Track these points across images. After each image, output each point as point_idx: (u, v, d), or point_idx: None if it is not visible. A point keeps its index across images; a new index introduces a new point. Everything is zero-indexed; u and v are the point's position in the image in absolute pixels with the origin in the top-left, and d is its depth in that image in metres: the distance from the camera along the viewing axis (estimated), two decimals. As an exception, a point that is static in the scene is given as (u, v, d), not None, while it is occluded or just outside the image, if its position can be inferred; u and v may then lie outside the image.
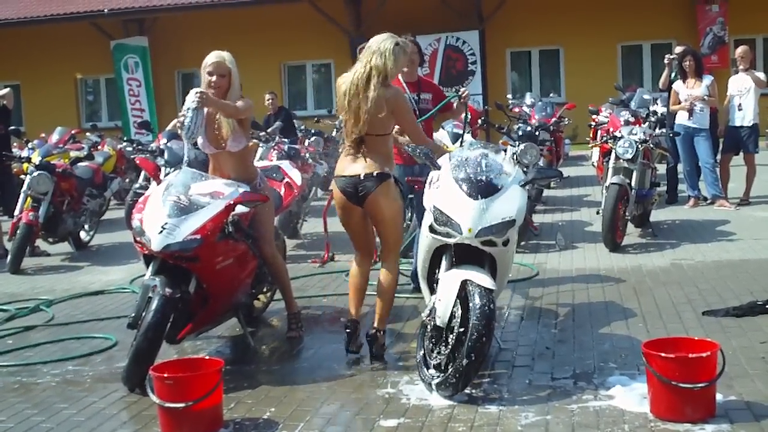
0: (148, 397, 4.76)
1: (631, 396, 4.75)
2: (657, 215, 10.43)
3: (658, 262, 8.33)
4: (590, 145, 13.54)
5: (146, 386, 4.79)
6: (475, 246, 5.08)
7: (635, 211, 9.36)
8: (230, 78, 6.05)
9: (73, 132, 16.86)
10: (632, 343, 5.77)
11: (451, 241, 5.09)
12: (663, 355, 4.40)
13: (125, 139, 15.57)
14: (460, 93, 7.17)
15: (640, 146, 9.29)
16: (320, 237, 9.79)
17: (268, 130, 11.87)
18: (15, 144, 14.61)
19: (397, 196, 5.70)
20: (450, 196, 5.11)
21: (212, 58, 6.09)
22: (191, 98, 5.67)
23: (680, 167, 12.00)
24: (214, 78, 5.99)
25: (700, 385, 4.32)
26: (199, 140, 6.10)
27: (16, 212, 10.34)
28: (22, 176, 11.01)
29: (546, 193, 12.70)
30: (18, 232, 9.98)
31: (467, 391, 4.95)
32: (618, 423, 4.44)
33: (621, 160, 9.33)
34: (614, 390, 4.87)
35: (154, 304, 5.30)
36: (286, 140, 11.35)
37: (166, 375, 4.59)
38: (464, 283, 4.97)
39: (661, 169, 11.62)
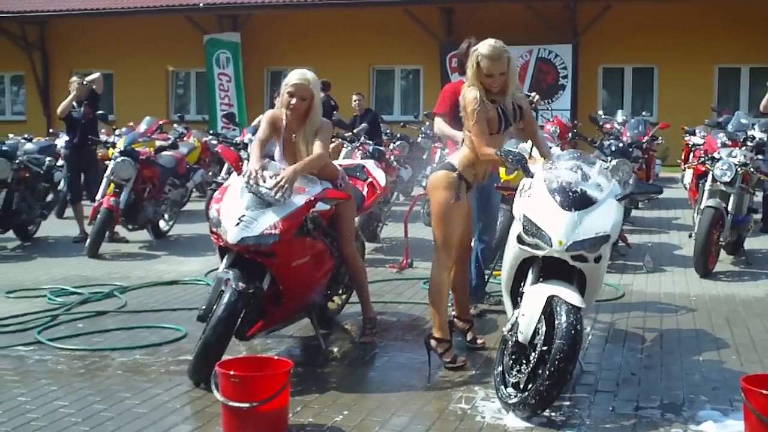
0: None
1: (724, 433, 4.43)
2: (751, 243, 9.96)
3: (752, 291, 7.91)
4: (684, 167, 13.08)
5: (211, 382, 4.61)
6: (564, 260, 4.80)
7: (730, 237, 8.94)
8: (311, 101, 5.65)
9: (160, 122, 16.95)
10: (725, 375, 5.43)
11: (540, 253, 4.82)
12: (764, 392, 4.07)
13: (211, 132, 15.64)
14: (531, 97, 6.93)
15: (739, 169, 8.87)
16: (400, 242, 9.60)
17: (354, 131, 11.72)
18: (103, 131, 14.73)
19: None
20: (542, 205, 4.84)
21: (295, 77, 5.64)
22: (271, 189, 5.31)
23: (778, 195, 11.52)
24: (294, 100, 5.60)
25: (804, 428, 3.99)
26: (276, 155, 5.86)
27: (98, 197, 10.35)
28: (107, 162, 11.02)
29: (634, 213, 12.28)
30: (98, 216, 9.98)
31: (546, 413, 4.68)
32: (710, 462, 4.14)
33: (718, 183, 8.92)
34: (706, 425, 4.55)
35: (225, 298, 5.14)
36: (371, 142, 11.16)
37: (232, 372, 4.40)
38: (551, 299, 4.70)
39: (757, 196, 11.12)
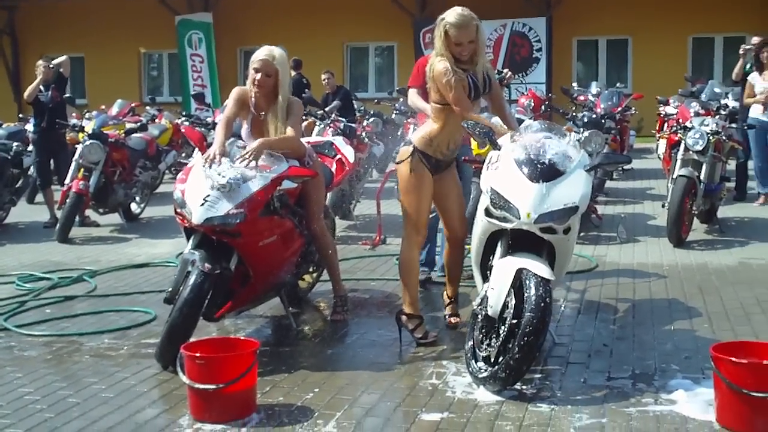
0: (181, 376, 4.55)
1: (695, 402, 4.39)
2: (724, 212, 9.97)
3: (725, 260, 7.90)
4: (657, 137, 13.07)
5: (177, 365, 4.54)
6: (533, 233, 4.75)
7: (703, 205, 8.92)
8: (277, 79, 5.60)
9: (132, 105, 16.79)
10: (697, 344, 5.40)
11: (508, 226, 4.77)
12: (734, 359, 4.04)
13: (183, 113, 15.48)
14: (503, 74, 6.88)
15: (711, 138, 8.85)
16: (374, 219, 9.52)
17: (326, 109, 11.61)
18: (74, 114, 14.54)
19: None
20: (509, 178, 4.78)
21: (261, 54, 5.63)
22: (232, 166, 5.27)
23: (751, 163, 11.52)
24: (258, 76, 5.58)
25: (773, 394, 3.95)
26: (243, 133, 5.79)
27: (67, 181, 10.22)
28: (76, 145, 10.88)
29: (608, 184, 12.29)
30: (67, 200, 9.87)
31: (517, 386, 4.64)
32: (680, 431, 4.09)
33: (690, 152, 8.89)
34: (676, 394, 4.51)
35: (191, 279, 5.06)
36: (343, 119, 11.06)
37: (197, 354, 4.34)
38: (519, 272, 4.65)
39: (731, 164, 11.13)
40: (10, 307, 6.74)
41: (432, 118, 5.43)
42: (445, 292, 6.07)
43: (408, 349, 5.48)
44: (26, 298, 7.07)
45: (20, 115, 17.94)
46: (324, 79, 14.18)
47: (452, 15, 5.23)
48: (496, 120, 7.15)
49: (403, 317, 5.57)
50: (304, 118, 11.51)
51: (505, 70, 7.29)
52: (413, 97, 6.89)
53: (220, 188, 5.14)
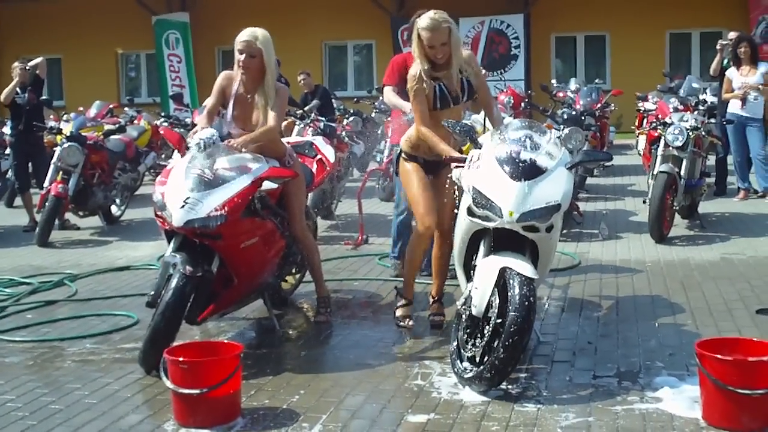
0: (164, 380, 4.51)
1: (680, 399, 4.39)
2: (705, 207, 9.99)
3: (707, 255, 7.92)
4: (637, 133, 13.12)
5: (160, 369, 4.50)
6: (516, 231, 4.74)
7: (683, 201, 8.95)
8: (262, 59, 5.64)
9: (110, 106, 16.69)
10: (681, 340, 5.41)
11: (491, 225, 4.75)
12: (719, 357, 4.04)
13: (162, 114, 15.38)
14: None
15: (691, 134, 8.88)
16: (355, 219, 9.52)
17: (306, 108, 11.57)
18: (51, 116, 14.44)
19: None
20: (491, 176, 4.76)
21: (244, 35, 5.69)
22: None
23: (730, 158, 11.57)
24: (243, 57, 5.64)
25: (759, 391, 3.94)
26: (227, 115, 5.81)
27: (46, 184, 10.13)
28: (54, 148, 10.80)
29: (589, 180, 12.32)
30: (46, 204, 9.78)
31: (503, 386, 4.63)
32: (667, 429, 4.09)
33: (670, 148, 8.92)
34: (662, 392, 4.52)
35: (173, 283, 5.02)
36: (322, 118, 11.03)
37: (181, 359, 4.30)
38: (503, 271, 4.64)
39: (710, 160, 11.17)
40: (-11, 312, 6.68)
41: (415, 122, 5.49)
42: (429, 292, 6.09)
43: (393, 349, 5.47)
44: (6, 303, 6.99)
45: (-3, 118, 17.80)
46: (300, 80, 14.13)
47: (424, 19, 5.34)
48: (475, 117, 7.19)
49: (398, 293, 6.01)
50: (284, 117, 11.49)
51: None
52: (389, 95, 6.97)
53: (195, 148, 5.20)
